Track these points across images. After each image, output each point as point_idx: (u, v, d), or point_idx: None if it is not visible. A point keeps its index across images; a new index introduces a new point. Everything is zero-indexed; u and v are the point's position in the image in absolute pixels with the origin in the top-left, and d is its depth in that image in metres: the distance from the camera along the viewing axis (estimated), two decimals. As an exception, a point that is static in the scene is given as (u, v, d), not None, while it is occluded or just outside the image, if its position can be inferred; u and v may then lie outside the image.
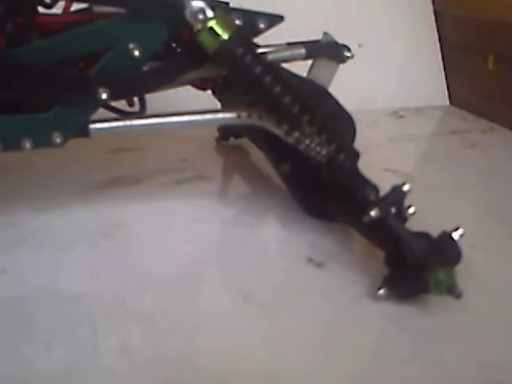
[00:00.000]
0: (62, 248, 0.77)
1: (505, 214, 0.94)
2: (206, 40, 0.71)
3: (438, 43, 1.55)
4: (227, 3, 0.86)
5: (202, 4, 0.70)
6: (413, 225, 0.71)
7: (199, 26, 0.70)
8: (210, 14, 0.70)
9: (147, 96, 0.80)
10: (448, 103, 1.54)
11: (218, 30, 0.70)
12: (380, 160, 1.08)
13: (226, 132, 1.12)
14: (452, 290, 0.64)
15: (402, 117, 1.42)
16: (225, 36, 0.70)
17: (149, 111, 0.80)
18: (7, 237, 0.79)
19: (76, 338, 0.62)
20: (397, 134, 1.29)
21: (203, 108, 0.80)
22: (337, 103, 0.84)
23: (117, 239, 0.80)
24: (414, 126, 1.38)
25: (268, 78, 0.72)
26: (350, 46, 1.32)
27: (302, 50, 0.84)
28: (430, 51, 1.55)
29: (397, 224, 0.70)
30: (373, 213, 0.69)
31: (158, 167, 1.02)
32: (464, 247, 0.70)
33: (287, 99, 0.73)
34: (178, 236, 0.82)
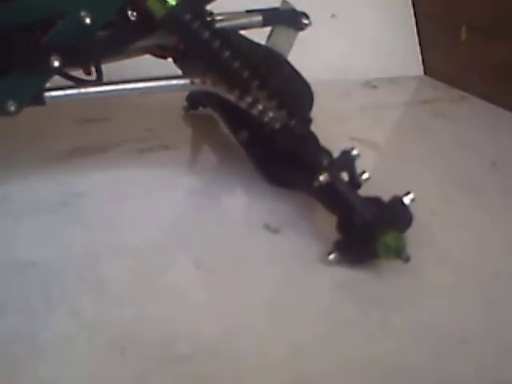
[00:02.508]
0: (21, 216, 0.78)
1: (468, 182, 0.95)
2: (153, 6, 0.71)
3: (412, 13, 1.54)
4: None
5: (150, -30, 0.70)
6: (370, 190, 0.72)
7: (147, -8, 0.70)
8: (158, -21, 0.70)
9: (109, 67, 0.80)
10: (422, 73, 1.53)
11: (166, -4, 0.70)
12: (348, 129, 1.08)
13: (194, 101, 1.12)
14: (400, 254, 0.65)
15: (375, 87, 1.41)
16: (172, 2, 0.70)
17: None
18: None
19: (30, 304, 0.63)
20: (368, 103, 1.29)
21: (158, 75, 0.80)
22: (293, 70, 0.83)
23: (75, 208, 0.80)
24: (386, 95, 1.38)
25: (216, 44, 0.73)
26: (323, 16, 1.33)
27: (259, 18, 0.84)
28: (404, 21, 1.54)
29: (346, 189, 0.70)
30: (322, 178, 0.70)
31: (123, 137, 1.02)
32: (424, 214, 0.71)
33: (236, 64, 0.74)
34: (137, 205, 0.82)
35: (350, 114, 1.20)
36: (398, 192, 0.71)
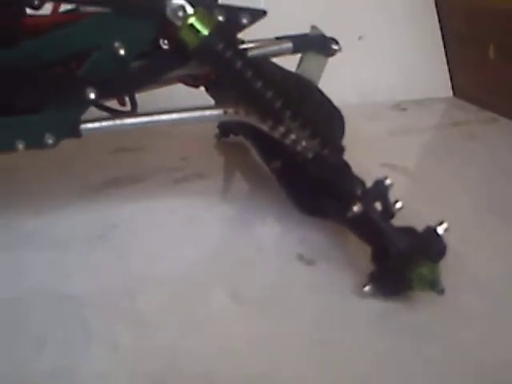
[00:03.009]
0: (59, 249, 0.79)
1: (499, 207, 0.94)
2: (186, 37, 0.72)
3: (440, 34, 1.54)
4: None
5: (181, 1, 0.71)
6: (405, 218, 0.72)
7: (180, 23, 0.71)
8: (189, 10, 0.71)
9: (142, 95, 0.81)
10: (451, 95, 1.53)
11: (198, 27, 0.71)
12: (378, 154, 1.09)
13: (225, 129, 1.13)
14: (435, 286, 0.65)
15: (404, 109, 1.42)
16: (205, 32, 0.71)
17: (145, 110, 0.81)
18: (9, 238, 0.81)
19: (68, 335, 0.64)
20: (398, 127, 1.29)
21: (192, 105, 0.81)
22: (323, 97, 0.84)
23: (113, 239, 0.82)
24: (415, 118, 1.38)
25: (249, 74, 0.73)
26: (351, 39, 1.33)
27: (290, 44, 0.85)
28: (432, 42, 1.55)
29: (380, 219, 0.70)
30: (355, 208, 0.70)
31: (157, 166, 1.03)
32: (455, 241, 0.70)
33: (269, 95, 0.74)
34: (174, 235, 0.84)
35: (379, 138, 1.21)
36: (430, 218, 0.70)
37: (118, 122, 0.78)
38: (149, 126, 0.79)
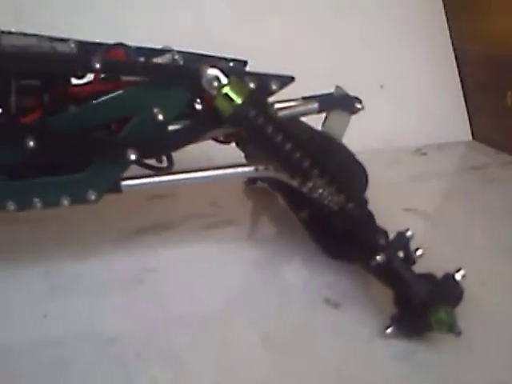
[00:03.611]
0: (98, 294, 0.85)
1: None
2: (221, 105, 0.77)
3: (459, 81, 1.59)
4: (245, 62, 0.93)
5: (217, 72, 0.76)
6: (425, 263, 0.77)
7: (215, 93, 0.76)
8: (224, 80, 0.76)
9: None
10: (471, 138, 1.58)
11: (232, 96, 0.76)
12: (400, 199, 1.14)
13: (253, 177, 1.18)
14: (453, 329, 0.70)
15: (424, 154, 1.46)
16: (239, 101, 0.76)
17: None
18: (49, 285, 0.87)
19: (111, 378, 0.69)
20: (418, 171, 1.34)
21: (226, 163, 0.86)
22: (349, 153, 0.89)
23: (148, 284, 0.87)
24: (435, 163, 1.43)
25: (279, 137, 0.78)
26: (373, 87, 1.39)
27: (315, 105, 0.90)
28: (451, 88, 1.60)
29: (402, 267, 0.75)
30: (379, 258, 0.75)
31: (189, 213, 1.09)
32: (473, 285, 0.75)
33: (297, 155, 0.79)
34: (206, 280, 0.89)
35: (401, 183, 1.25)
36: (449, 263, 0.76)
37: (155, 179, 0.84)
38: (183, 183, 0.85)
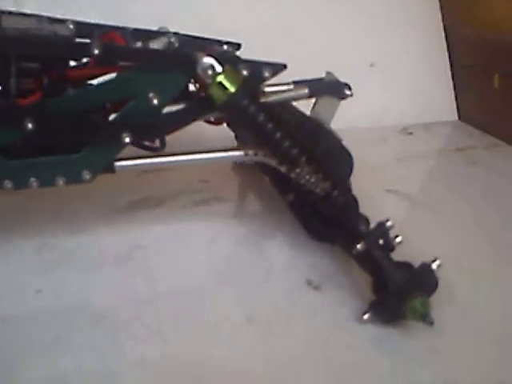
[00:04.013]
0: (90, 269, 0.88)
1: (498, 236, 1.01)
2: (215, 93, 0.79)
3: (448, 61, 1.62)
4: (239, 45, 0.96)
5: (211, 60, 0.78)
6: (404, 247, 0.81)
7: (209, 81, 0.79)
8: (218, 69, 0.79)
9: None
10: (457, 118, 1.61)
11: (226, 84, 0.79)
12: (383, 180, 1.17)
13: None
14: (425, 319, 0.73)
15: (410, 133, 1.49)
16: (232, 89, 0.79)
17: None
18: (42, 260, 0.89)
19: (102, 351, 0.73)
20: (403, 152, 1.36)
21: (217, 147, 0.89)
22: (336, 141, 0.91)
23: (138, 260, 0.90)
24: (421, 143, 1.45)
25: (270, 126, 0.81)
26: (363, 65, 1.41)
27: (306, 90, 0.91)
28: (440, 69, 1.62)
29: (381, 256, 0.78)
30: (359, 246, 0.79)
31: (178, 189, 1.12)
32: (451, 271, 0.79)
33: (287, 143, 0.82)
34: (193, 257, 0.92)
35: (385, 164, 1.28)
36: (427, 248, 0.80)
37: (147, 161, 0.87)
38: (175, 165, 0.88)
